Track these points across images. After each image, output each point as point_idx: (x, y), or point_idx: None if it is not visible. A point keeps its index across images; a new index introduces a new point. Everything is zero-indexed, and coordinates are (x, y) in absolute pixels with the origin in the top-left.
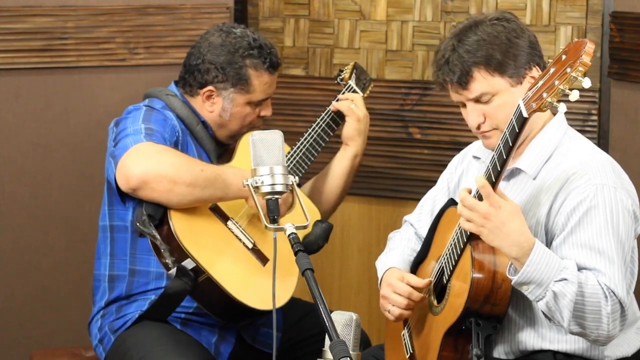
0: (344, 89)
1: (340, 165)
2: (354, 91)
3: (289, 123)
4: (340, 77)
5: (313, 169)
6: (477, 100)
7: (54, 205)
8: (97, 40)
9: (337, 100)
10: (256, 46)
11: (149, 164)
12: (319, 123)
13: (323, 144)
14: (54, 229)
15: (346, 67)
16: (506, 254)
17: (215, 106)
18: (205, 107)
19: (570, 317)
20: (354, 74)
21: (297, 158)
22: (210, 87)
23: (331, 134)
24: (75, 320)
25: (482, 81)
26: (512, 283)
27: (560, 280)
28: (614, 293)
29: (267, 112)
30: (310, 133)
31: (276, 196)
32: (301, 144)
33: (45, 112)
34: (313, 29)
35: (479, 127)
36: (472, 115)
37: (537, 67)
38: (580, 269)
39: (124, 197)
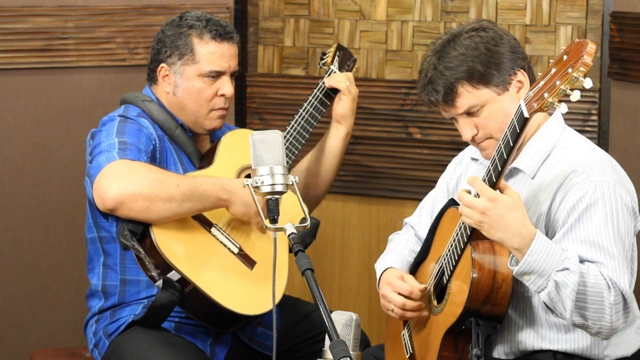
0: (326, 74)
1: (335, 145)
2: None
3: (289, 123)
4: (323, 62)
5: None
6: (467, 113)
7: (54, 205)
8: (97, 40)
9: (324, 85)
10: (204, 19)
11: (122, 185)
12: (302, 114)
13: (315, 124)
14: (54, 229)
15: (329, 51)
16: (508, 246)
17: (171, 85)
18: (163, 88)
19: (572, 308)
20: (337, 57)
21: (287, 144)
22: (162, 65)
23: (316, 121)
24: (75, 320)
25: (468, 95)
26: (514, 273)
27: (562, 270)
28: (616, 284)
29: (224, 90)
30: (297, 120)
31: (276, 196)
32: (291, 127)
33: (45, 112)
34: (313, 29)
35: (473, 139)
36: (464, 128)
37: (521, 70)
38: (581, 261)
39: (105, 213)
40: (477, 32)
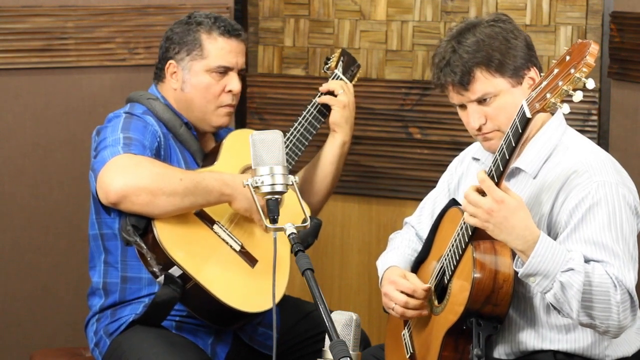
0: (330, 79)
1: (330, 153)
2: (341, 80)
3: (289, 123)
4: (327, 66)
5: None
6: (479, 101)
7: (54, 205)
8: (97, 40)
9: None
10: (212, 17)
11: (126, 178)
12: (306, 115)
13: (313, 133)
14: (54, 229)
15: (333, 55)
16: (512, 247)
17: (179, 82)
18: (171, 85)
19: (579, 308)
20: (341, 62)
21: (287, 150)
22: (170, 62)
23: (319, 125)
24: (75, 320)
25: (484, 81)
26: (519, 275)
27: (567, 271)
28: (622, 283)
29: (232, 85)
30: (300, 122)
31: (276, 196)
32: (291, 134)
33: (45, 112)
34: (313, 29)
35: (479, 129)
36: (473, 116)
37: (534, 67)
38: (586, 261)
39: (108, 208)
40: (497, 22)
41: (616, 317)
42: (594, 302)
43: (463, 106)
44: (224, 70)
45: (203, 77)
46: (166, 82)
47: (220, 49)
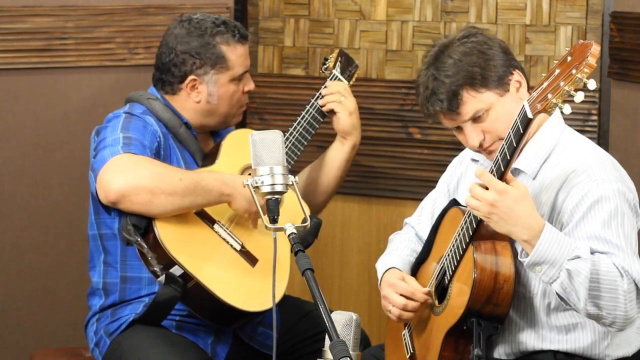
0: (328, 79)
1: (338, 157)
2: (339, 80)
3: (289, 123)
4: (325, 67)
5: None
6: (473, 119)
7: (54, 205)
8: (97, 40)
9: (322, 96)
10: (220, 23)
11: (126, 178)
12: (304, 116)
13: (312, 133)
14: (54, 229)
15: (331, 56)
16: (517, 238)
17: (201, 95)
18: (191, 99)
19: (586, 296)
20: (338, 62)
21: (286, 150)
22: (191, 77)
23: (318, 125)
24: (75, 320)
25: (472, 100)
26: (525, 264)
27: (574, 259)
28: (628, 273)
29: (249, 86)
30: (299, 122)
31: (276, 196)
32: (290, 134)
33: (45, 112)
34: (313, 29)
35: (481, 145)
36: (471, 135)
37: (516, 70)
38: (591, 253)
39: (108, 207)
40: (468, 38)
41: (623, 307)
42: (602, 291)
43: (459, 128)
44: (243, 75)
45: (229, 87)
46: (181, 95)
47: (240, 56)
